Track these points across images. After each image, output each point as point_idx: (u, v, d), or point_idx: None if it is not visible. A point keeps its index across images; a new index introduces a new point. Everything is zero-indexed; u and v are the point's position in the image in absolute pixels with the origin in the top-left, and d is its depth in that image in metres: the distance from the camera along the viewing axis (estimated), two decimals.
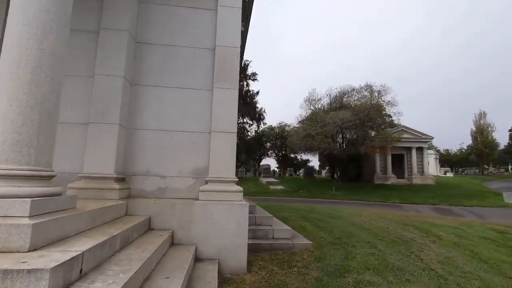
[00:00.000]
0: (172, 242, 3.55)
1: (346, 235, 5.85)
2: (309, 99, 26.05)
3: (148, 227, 3.53)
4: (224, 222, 3.65)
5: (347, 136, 23.87)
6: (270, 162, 54.18)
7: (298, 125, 27.34)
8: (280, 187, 24.79)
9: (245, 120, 32.04)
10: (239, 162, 43.89)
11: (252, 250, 4.54)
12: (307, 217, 8.42)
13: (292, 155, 43.66)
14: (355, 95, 24.19)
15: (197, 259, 3.54)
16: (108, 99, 3.67)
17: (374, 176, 26.73)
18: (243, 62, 31.87)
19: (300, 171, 45.22)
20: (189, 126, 4.13)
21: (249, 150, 32.03)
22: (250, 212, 5.58)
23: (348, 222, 7.46)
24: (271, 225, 5.39)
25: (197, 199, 3.80)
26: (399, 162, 27.99)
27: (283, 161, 44.80)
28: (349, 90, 24.68)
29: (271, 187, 24.88)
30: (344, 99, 24.96)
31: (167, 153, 4.02)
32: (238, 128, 32.98)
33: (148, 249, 2.60)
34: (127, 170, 3.91)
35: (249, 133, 33.85)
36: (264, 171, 35.16)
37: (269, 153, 43.56)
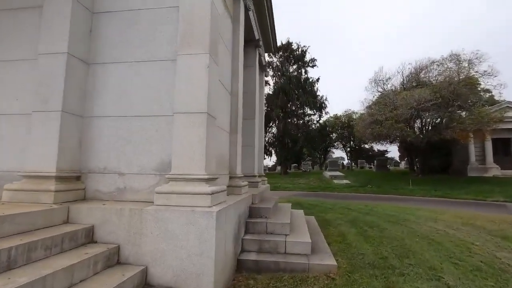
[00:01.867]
0: (118, 261, 2.70)
1: (400, 252, 4.11)
2: (375, 79, 22.50)
3: (90, 239, 2.77)
4: (183, 236, 2.62)
5: (427, 119, 19.72)
6: (341, 154, 50.44)
7: (364, 111, 24.08)
8: (345, 181, 22.33)
9: (305, 111, 30.11)
10: (305, 155, 42.03)
11: (249, 269, 3.41)
12: (357, 220, 6.69)
13: (365, 146, 39.50)
14: (436, 69, 19.68)
15: (147, 285, 2.62)
16: (52, 82, 3.04)
17: (468, 167, 21.56)
18: (300, 48, 29.96)
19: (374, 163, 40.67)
20: (152, 109, 3.22)
21: (312, 142, 29.96)
22: (259, 216, 4.43)
23: (412, 231, 5.51)
24: (286, 234, 4.11)
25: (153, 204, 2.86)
26: (504, 149, 21.94)
27: (354, 153, 40.96)
28: (428, 64, 20.24)
29: (335, 181, 22.63)
30: (422, 75, 20.60)
31: (126, 145, 3.21)
32: (297, 119, 31.33)
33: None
34: (83, 166, 3.25)
35: (311, 124, 31.75)
36: (330, 164, 32.55)
37: (335, 144, 40.41)
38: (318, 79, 29.98)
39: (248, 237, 3.98)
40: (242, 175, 4.75)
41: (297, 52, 29.98)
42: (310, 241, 3.87)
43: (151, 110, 3.22)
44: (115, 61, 3.33)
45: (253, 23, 6.10)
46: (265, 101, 30.69)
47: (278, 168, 35.39)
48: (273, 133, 30.86)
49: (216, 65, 3.30)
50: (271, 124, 30.61)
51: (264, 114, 8.65)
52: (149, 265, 2.64)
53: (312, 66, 30.30)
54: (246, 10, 5.29)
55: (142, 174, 3.14)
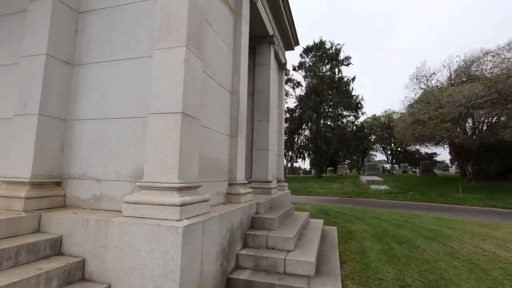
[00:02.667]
0: (83, 276, 2.46)
1: (429, 280, 3.36)
2: (417, 75, 20.49)
3: (58, 251, 2.58)
4: (147, 253, 2.30)
5: (481, 118, 17.35)
6: (384, 158, 47.34)
7: (404, 111, 22.08)
8: (383, 187, 20.66)
9: (339, 112, 28.68)
10: (342, 158, 40.03)
11: None
12: (385, 234, 5.86)
13: (410, 149, 36.44)
14: (491, 61, 17.19)
15: None
16: (30, 85, 2.95)
17: None
18: (333, 47, 28.71)
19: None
20: (130, 110, 2.97)
21: (347, 144, 28.39)
22: (262, 228, 3.97)
23: (451, 251, 4.60)
24: (289, 251, 3.60)
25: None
26: None
27: (396, 156, 38.05)
28: (480, 55, 17.79)
29: (372, 187, 21.05)
30: (473, 69, 18.20)
31: (104, 149, 3.00)
32: (331, 120, 29.96)
33: None
34: (65, 172, 3.11)
35: (346, 125, 30.16)
36: (368, 168, 30.53)
37: (374, 147, 37.95)
38: (353, 78, 28.46)
39: (244, 251, 3.55)
40: (245, 182, 4.33)
41: (331, 50, 28.81)
42: (314, 261, 3.31)
43: (129, 112, 2.97)
44: (97, 60, 3.16)
45: (264, 17, 5.69)
46: (296, 103, 30.02)
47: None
48: (305, 135, 29.90)
49: (200, 60, 2.95)
50: (303, 126, 29.73)
51: (283, 115, 8.15)
52: (112, 284, 2.35)
53: (347, 65, 28.87)
54: (252, 2, 4.90)
55: (118, 180, 2.90)
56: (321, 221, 6.25)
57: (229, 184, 4.07)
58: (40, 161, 2.88)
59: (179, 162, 2.54)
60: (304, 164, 38.08)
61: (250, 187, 6.01)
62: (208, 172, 3.48)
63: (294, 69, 30.03)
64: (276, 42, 6.85)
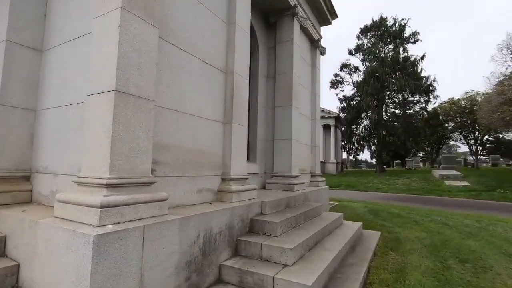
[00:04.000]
0: (16, 283, 2.17)
1: None
2: (508, 45, 16.25)
3: (2, 252, 2.35)
4: (62, 265, 1.85)
5: None
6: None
7: (490, 91, 17.89)
8: (462, 183, 17.28)
9: (405, 96, 25.07)
10: (413, 150, 35.22)
11: None
12: (446, 246, 4.50)
13: (504, 137, 30.12)
14: None
15: None
16: None
17: None
18: (397, 23, 25.17)
19: None
20: (84, 94, 2.58)
21: (415, 134, 24.62)
22: (262, 233, 3.25)
23: None
24: (285, 265, 2.83)
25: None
26: None
27: (483, 146, 31.87)
28: None
29: (447, 182, 17.82)
30: None
31: (62, 140, 2.69)
32: (395, 107, 26.21)
33: None
34: (33, 165, 2.93)
35: (415, 112, 26.27)
36: (445, 160, 26.08)
37: (452, 136, 32.45)
38: (422, 57, 24.51)
39: (230, 262, 2.90)
40: (244, 177, 3.64)
41: (393, 28, 25.33)
42: (310, 284, 2.46)
43: (83, 96, 2.59)
44: (60, 42, 2.88)
45: None
46: (354, 90, 27.33)
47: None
48: (365, 125, 27.16)
49: (152, 26, 2.38)
50: (363, 115, 27.04)
51: (318, 101, 7.09)
52: None
53: (414, 42, 25.04)
54: None
55: (71, 175, 2.54)
56: (359, 224, 5.14)
57: (222, 180, 3.45)
58: (4, 155, 2.72)
59: (111, 152, 2.02)
60: (362, 156, 34.88)
61: (271, 182, 5.29)
62: (185, 166, 2.91)
63: (350, 53, 27.42)
64: (302, 15, 5.87)
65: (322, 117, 30.84)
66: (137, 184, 2.18)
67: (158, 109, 2.62)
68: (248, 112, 5.41)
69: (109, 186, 1.98)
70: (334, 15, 7.38)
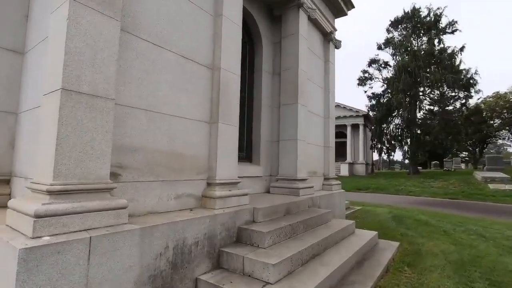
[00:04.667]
0: None
1: None
2: None
3: None
4: None
5: None
6: None
7: None
8: (509, 187, 15.41)
9: (442, 92, 23.05)
10: (454, 149, 32.30)
11: None
12: (475, 263, 3.88)
13: None
14: None
15: None
16: None
17: None
18: (431, 13, 23.29)
19: None
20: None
21: (454, 132, 22.47)
22: (250, 243, 2.95)
23: None
24: (266, 283, 2.50)
25: None
26: None
27: None
28: None
29: (491, 186, 16.01)
30: None
31: (33, 142, 2.61)
32: (431, 103, 24.01)
33: None
34: (13, 169, 2.91)
35: (454, 108, 24.07)
36: (489, 161, 23.59)
37: (499, 134, 29.33)
38: (461, 48, 22.40)
39: (207, 277, 2.63)
40: (233, 181, 3.35)
41: (428, 18, 23.46)
42: None
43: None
44: (35, 43, 2.81)
45: None
46: (384, 86, 25.73)
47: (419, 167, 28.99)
48: (396, 124, 25.47)
49: (110, 19, 2.19)
50: (394, 113, 25.39)
51: (332, 98, 6.58)
52: None
53: (452, 32, 22.97)
54: None
55: (28, 178, 2.44)
56: (373, 233, 4.60)
57: (208, 185, 3.19)
58: None
59: (56, 156, 1.85)
60: (396, 157, 32.80)
61: (275, 186, 4.95)
62: (160, 169, 2.70)
63: (379, 47, 25.89)
64: (310, 5, 5.46)
65: (350, 116, 29.55)
66: (90, 191, 1.99)
67: (124, 109, 2.43)
68: (251, 112, 5.16)
69: (51, 193, 1.80)
70: (350, 5, 6.83)
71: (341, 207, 6.33)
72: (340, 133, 32.03)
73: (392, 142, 26.05)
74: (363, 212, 8.36)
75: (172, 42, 2.88)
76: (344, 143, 30.87)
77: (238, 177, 4.46)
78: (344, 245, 3.87)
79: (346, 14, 6.94)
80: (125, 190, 2.40)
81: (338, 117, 30.08)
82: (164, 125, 2.76)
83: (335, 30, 6.79)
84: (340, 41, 6.85)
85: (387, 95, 25.02)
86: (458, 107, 23.94)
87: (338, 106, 30.32)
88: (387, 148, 27.07)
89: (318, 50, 6.31)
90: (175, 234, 2.43)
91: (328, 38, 6.53)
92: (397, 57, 24.15)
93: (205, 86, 3.25)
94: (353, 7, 6.93)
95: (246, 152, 5.08)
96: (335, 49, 6.87)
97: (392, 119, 25.34)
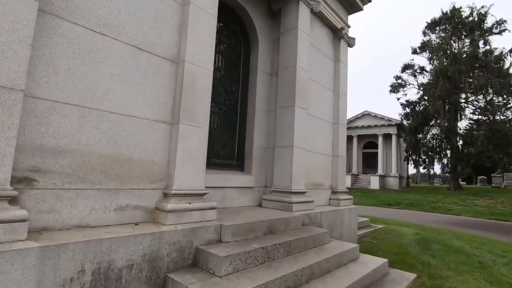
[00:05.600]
0: None
1: None
2: None
3: None
4: None
5: None
6: None
7: None
8: None
9: (488, 98, 20.59)
10: (504, 163, 28.59)
11: None
12: None
13: None
14: None
15: None
16: None
17: None
18: (474, 12, 21.23)
19: None
20: None
21: (503, 143, 19.76)
22: (205, 268, 2.46)
23: None
24: None
25: None
26: None
27: None
28: None
29: None
30: None
31: None
32: (475, 111, 21.36)
33: None
34: None
35: (502, 116, 21.36)
36: None
37: None
38: (511, 50, 19.92)
39: None
40: (194, 192, 2.85)
41: (470, 18, 21.40)
42: None
43: None
44: None
45: None
46: (420, 93, 23.75)
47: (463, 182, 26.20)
48: (433, 134, 23.28)
49: None
50: (431, 122, 23.29)
51: (343, 102, 5.86)
52: None
53: (499, 33, 20.66)
54: None
55: None
56: (381, 261, 3.79)
57: (164, 195, 2.74)
58: None
59: None
60: (433, 170, 29.96)
61: (267, 199, 4.38)
62: (96, 175, 2.31)
63: (414, 51, 24.11)
64: None
65: (382, 125, 27.74)
66: None
67: (47, 103, 2.08)
68: (246, 115, 4.68)
69: None
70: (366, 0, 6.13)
71: (352, 225, 5.51)
72: (370, 143, 30.19)
73: (430, 153, 23.81)
74: (383, 232, 7.35)
75: (122, 29, 2.53)
76: (375, 154, 28.98)
77: (224, 187, 4.00)
78: (338, 275, 3.16)
79: (361, 9, 6.25)
80: (42, 198, 2.03)
81: (368, 126, 28.41)
82: (104, 125, 2.38)
83: (348, 26, 6.12)
84: (354, 39, 6.15)
85: (423, 102, 23.07)
86: (510, 116, 21.17)
87: (367, 114, 28.68)
88: (424, 160, 24.81)
89: (327, 49, 5.69)
90: (97, 254, 1.99)
91: (339, 35, 5.87)
92: (435, 61, 22.22)
93: (166, 82, 2.84)
94: (369, 1, 6.22)
95: (238, 160, 4.59)
96: (348, 48, 6.18)
97: (429, 129, 23.22)
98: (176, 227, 2.52)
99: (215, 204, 2.97)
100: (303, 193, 4.40)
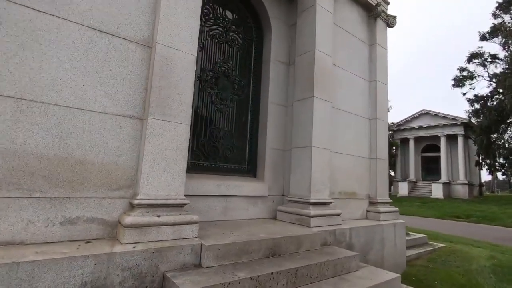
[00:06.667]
0: None
1: None
2: None
3: None
4: None
5: None
6: None
7: None
8: None
9: None
10: None
11: None
12: None
13: None
14: None
15: None
16: None
17: None
18: None
19: None
20: None
21: None
22: None
23: None
24: None
25: None
26: None
27: None
28: None
29: None
30: None
31: None
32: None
33: None
34: None
35: None
36: None
37: None
38: None
39: None
40: (166, 202, 2.29)
41: None
42: None
43: None
44: None
45: None
46: (492, 85, 20.11)
47: None
48: (511, 133, 19.45)
49: None
50: (509, 119, 19.56)
51: (381, 94, 4.82)
52: None
53: None
54: None
55: None
56: None
57: (132, 206, 2.25)
58: None
59: None
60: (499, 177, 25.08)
61: (283, 211, 3.66)
62: (36, 181, 1.91)
63: (482, 37, 20.66)
64: None
65: (445, 125, 24.36)
66: None
67: None
68: (258, 112, 4.05)
69: None
70: None
71: (397, 245, 4.40)
72: (430, 146, 26.73)
73: (510, 157, 19.93)
74: (445, 252, 5.91)
75: (75, 8, 2.14)
76: (437, 158, 25.50)
77: (228, 196, 3.41)
78: None
79: None
80: None
81: (427, 127, 25.22)
82: (49, 120, 1.98)
83: (386, 2, 5.10)
84: (395, 17, 5.10)
85: (497, 96, 19.52)
86: None
87: (426, 113, 25.48)
88: (502, 165, 20.90)
89: (359, 30, 4.77)
90: (12, 284, 1.55)
91: (375, 13, 4.90)
92: (511, 46, 18.69)
93: (135, 69, 2.38)
94: None
95: (250, 164, 3.96)
96: (387, 28, 5.14)
97: (507, 127, 19.48)
98: (134, 247, 1.98)
99: (196, 218, 2.37)
100: (325, 203, 3.56)
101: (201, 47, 3.62)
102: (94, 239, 2.09)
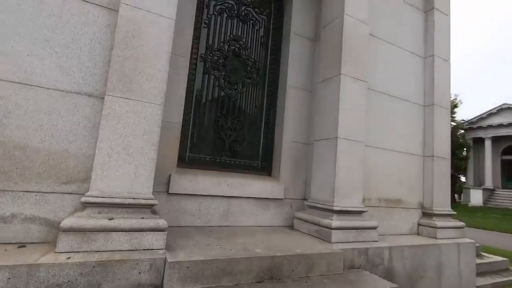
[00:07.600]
0: None
1: None
2: None
3: None
4: None
5: None
6: None
7: None
8: None
9: None
10: None
11: None
12: None
13: None
14: None
15: None
16: None
17: None
18: None
19: None
20: None
21: None
22: None
23: None
24: None
25: None
26: None
27: None
28: None
29: None
30: None
31: None
32: None
33: None
34: None
35: None
36: None
37: None
38: None
39: None
40: (122, 201, 1.80)
41: None
42: None
43: None
44: None
45: None
46: None
47: None
48: None
49: None
50: None
51: (447, 72, 3.70)
52: None
53: None
54: None
55: None
56: None
57: (84, 206, 1.81)
58: None
59: None
60: None
61: (301, 219, 2.96)
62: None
63: None
64: None
65: None
66: None
67: None
68: (276, 96, 3.40)
69: None
70: None
71: (462, 273, 3.28)
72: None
73: None
74: None
75: None
76: None
77: (230, 196, 2.84)
78: None
79: None
80: None
81: (508, 125, 21.12)
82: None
83: None
84: None
85: None
86: None
87: (507, 108, 21.34)
88: None
89: None
90: None
91: None
92: None
93: (97, 37, 1.95)
94: None
95: (265, 160, 3.32)
96: None
97: None
98: (69, 258, 1.53)
99: (162, 223, 1.84)
100: (355, 212, 2.72)
101: (206, 23, 3.12)
102: (33, 243, 1.70)
